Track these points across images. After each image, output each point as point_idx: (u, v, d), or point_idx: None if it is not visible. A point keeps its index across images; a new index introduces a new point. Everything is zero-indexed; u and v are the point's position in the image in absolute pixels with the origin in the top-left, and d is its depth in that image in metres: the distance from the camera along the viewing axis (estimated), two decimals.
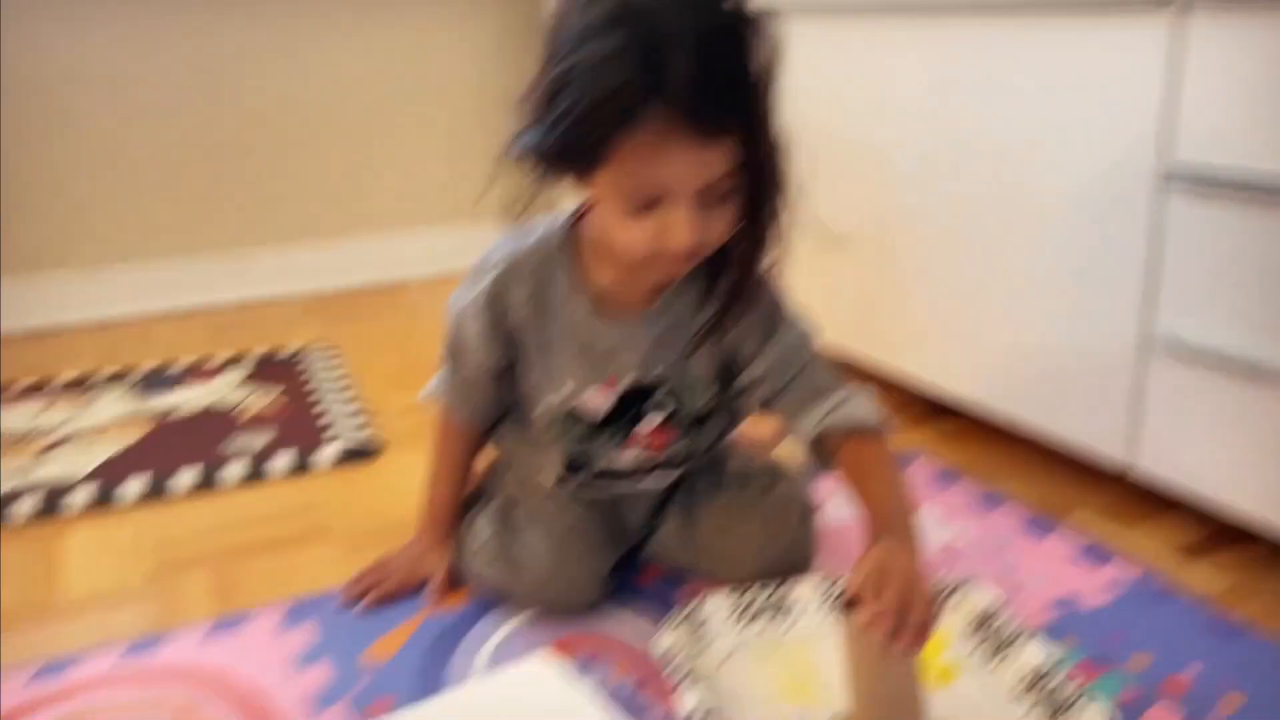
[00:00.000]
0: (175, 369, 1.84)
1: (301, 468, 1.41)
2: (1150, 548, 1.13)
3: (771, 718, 0.83)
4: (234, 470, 1.39)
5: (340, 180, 2.38)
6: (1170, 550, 1.12)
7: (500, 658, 0.95)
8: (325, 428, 1.53)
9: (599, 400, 0.97)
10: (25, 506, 1.30)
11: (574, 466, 1.03)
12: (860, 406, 0.92)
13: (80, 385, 1.77)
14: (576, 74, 0.75)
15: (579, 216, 0.94)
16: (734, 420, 1.07)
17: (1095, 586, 1.04)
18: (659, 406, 0.98)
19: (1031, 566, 1.08)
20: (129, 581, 1.13)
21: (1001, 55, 1.20)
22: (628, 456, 1.01)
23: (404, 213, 2.47)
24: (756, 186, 0.81)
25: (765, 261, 0.88)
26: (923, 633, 0.75)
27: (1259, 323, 0.99)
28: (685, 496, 1.07)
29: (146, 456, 1.45)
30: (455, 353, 1.03)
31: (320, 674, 0.94)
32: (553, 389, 0.98)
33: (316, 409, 1.61)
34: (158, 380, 1.78)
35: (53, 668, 0.97)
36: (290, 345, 1.97)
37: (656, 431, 0.99)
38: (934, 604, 0.76)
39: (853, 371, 1.68)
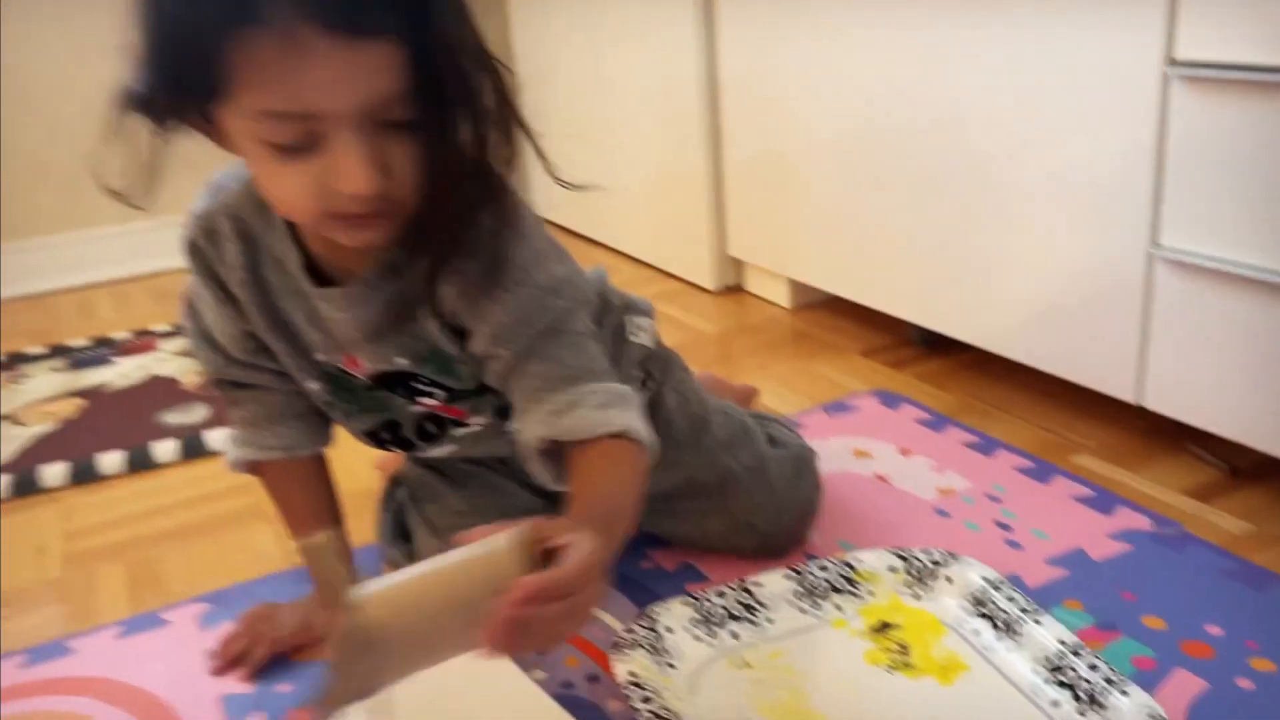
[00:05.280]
0: (113, 341, 1.73)
1: None
2: (1161, 492, 1.03)
3: None
4: (166, 448, 1.28)
5: None
6: (1183, 493, 1.02)
7: None
8: None
9: (356, 371, 0.78)
10: None
11: (385, 439, 0.84)
12: (609, 403, 0.69)
13: (9, 365, 1.66)
14: None
15: None
16: None
17: (1101, 538, 0.94)
18: (429, 394, 0.78)
19: (1030, 518, 0.98)
20: (43, 577, 1.03)
21: None
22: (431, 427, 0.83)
23: None
24: (441, 106, 0.60)
25: (476, 201, 0.67)
26: (562, 628, 0.55)
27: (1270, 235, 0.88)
28: None
29: (75, 436, 1.35)
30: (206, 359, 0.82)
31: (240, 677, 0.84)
32: (308, 375, 0.79)
33: None
34: (93, 354, 1.67)
35: None
36: None
37: (443, 408, 0.80)
38: (578, 621, 0.56)
39: (838, 308, 1.58)
